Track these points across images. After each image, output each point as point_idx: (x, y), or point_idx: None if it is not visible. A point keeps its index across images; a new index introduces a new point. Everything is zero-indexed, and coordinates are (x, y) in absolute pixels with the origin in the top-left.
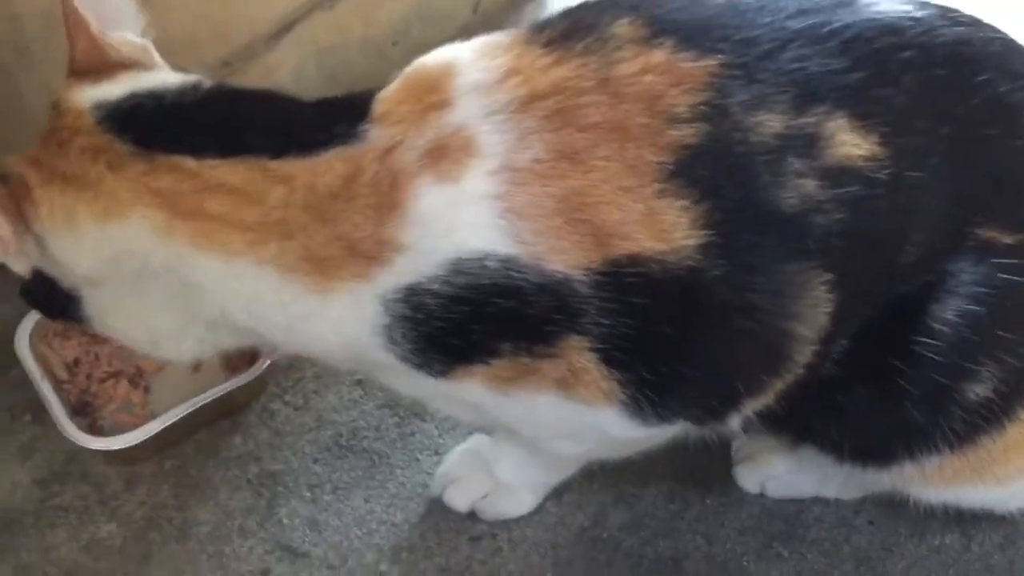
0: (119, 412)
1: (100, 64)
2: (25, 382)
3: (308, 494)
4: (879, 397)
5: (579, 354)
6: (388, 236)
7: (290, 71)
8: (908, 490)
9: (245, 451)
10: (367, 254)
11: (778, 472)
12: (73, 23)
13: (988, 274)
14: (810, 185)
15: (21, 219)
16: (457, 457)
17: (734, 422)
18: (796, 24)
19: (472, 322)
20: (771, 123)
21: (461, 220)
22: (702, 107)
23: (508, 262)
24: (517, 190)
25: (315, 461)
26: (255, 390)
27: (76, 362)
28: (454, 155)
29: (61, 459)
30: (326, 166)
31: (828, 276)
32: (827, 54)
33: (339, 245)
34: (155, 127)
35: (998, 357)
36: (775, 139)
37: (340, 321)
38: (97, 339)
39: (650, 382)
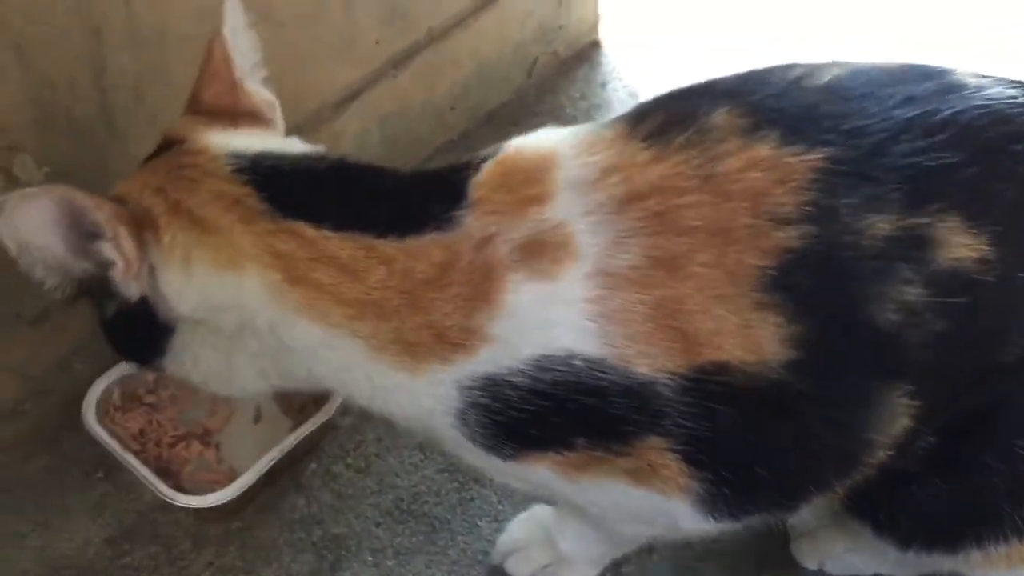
0: (198, 472)
1: (229, 110)
2: (93, 441)
3: (370, 558)
4: (961, 491)
5: (659, 454)
6: (476, 326)
7: (354, 136)
8: (970, 573)
9: (308, 513)
10: (453, 341)
11: (837, 550)
12: (217, 62)
13: None
14: (914, 293)
15: (143, 245)
16: (519, 526)
17: (800, 514)
18: (906, 113)
19: (551, 416)
20: (882, 224)
21: (552, 319)
22: (809, 207)
23: (595, 363)
24: (610, 295)
25: (377, 525)
26: (316, 440)
27: (142, 432)
28: (551, 253)
29: (132, 517)
30: (423, 251)
31: (911, 387)
32: (940, 147)
33: (429, 332)
34: (285, 190)
35: None
36: (885, 243)
37: (419, 396)
38: (156, 407)
39: (728, 481)
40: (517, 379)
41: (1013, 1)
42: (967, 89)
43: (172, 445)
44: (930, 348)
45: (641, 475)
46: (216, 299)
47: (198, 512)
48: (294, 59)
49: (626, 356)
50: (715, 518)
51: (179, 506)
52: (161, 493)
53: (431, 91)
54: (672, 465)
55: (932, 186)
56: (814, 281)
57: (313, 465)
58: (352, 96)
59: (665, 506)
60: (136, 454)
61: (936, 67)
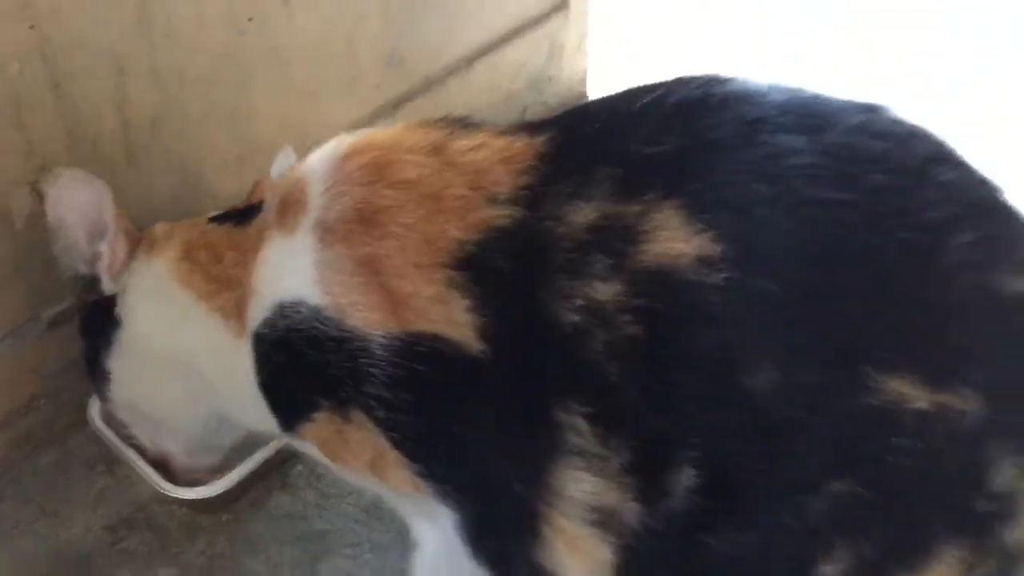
0: None
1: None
2: (96, 438)
3: (348, 551)
4: (734, 554)
5: (371, 433)
6: (249, 282)
7: None
8: None
9: (294, 510)
10: (246, 299)
11: None
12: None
13: (879, 440)
14: (608, 292)
15: (131, 255)
16: None
17: None
18: (637, 102)
19: (294, 371)
20: (587, 212)
21: (287, 268)
22: (523, 190)
23: (316, 312)
24: (325, 246)
25: (356, 522)
26: None
27: None
28: (292, 208)
29: (130, 508)
30: (248, 236)
31: (589, 409)
32: (665, 133)
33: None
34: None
35: (857, 540)
36: (586, 232)
37: (246, 363)
38: None
39: (442, 477)
40: (266, 330)
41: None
42: (718, 81)
43: None
44: (621, 360)
45: (377, 468)
46: (146, 280)
47: (190, 504)
48: (300, 96)
49: (341, 307)
50: (476, 543)
51: (172, 497)
52: (156, 484)
53: None
54: (389, 453)
55: (650, 174)
56: (508, 267)
57: (299, 467)
58: (359, 127)
59: (416, 507)
60: (134, 449)
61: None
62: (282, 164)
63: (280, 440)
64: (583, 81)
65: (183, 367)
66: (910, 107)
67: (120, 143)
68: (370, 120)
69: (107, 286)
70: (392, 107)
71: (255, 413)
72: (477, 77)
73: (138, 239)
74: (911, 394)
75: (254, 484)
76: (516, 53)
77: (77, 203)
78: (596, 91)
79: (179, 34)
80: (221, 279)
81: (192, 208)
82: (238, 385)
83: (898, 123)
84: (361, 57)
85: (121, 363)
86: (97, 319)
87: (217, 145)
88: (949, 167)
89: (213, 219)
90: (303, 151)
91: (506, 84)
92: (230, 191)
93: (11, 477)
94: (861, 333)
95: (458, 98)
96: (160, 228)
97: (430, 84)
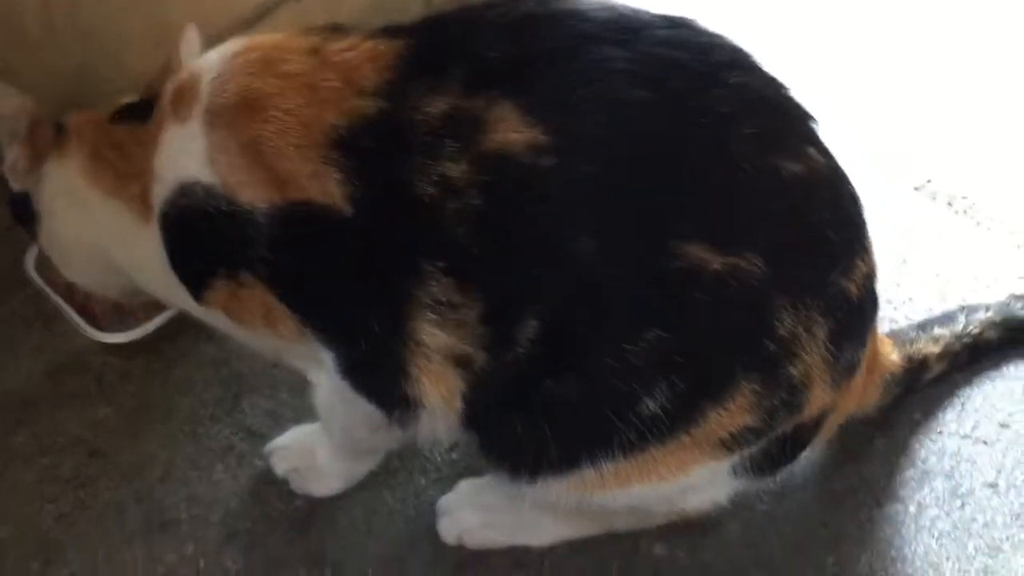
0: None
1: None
2: (35, 296)
3: (267, 391)
4: (565, 402)
5: (260, 291)
6: (151, 167)
7: None
8: (588, 498)
9: (218, 356)
10: (148, 185)
11: (472, 524)
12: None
13: (683, 296)
14: (458, 170)
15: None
16: (295, 430)
17: (427, 421)
18: (489, 13)
19: (196, 244)
20: (439, 104)
21: (183, 150)
22: (386, 85)
23: (209, 189)
24: (214, 131)
25: (274, 367)
26: None
27: (70, 285)
28: (187, 98)
29: (67, 357)
30: (149, 132)
31: (443, 264)
32: (507, 39)
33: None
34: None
35: (670, 378)
36: (440, 121)
37: (155, 245)
38: None
39: (320, 326)
40: (168, 209)
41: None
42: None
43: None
44: (468, 225)
45: (270, 321)
46: (58, 181)
47: (114, 348)
48: None
49: (230, 185)
50: (351, 377)
51: (94, 340)
52: (82, 329)
53: (333, 15)
54: (276, 307)
55: (494, 74)
56: (375, 147)
57: None
58: (261, 15)
59: (305, 353)
60: (64, 300)
61: None
62: (189, 44)
63: None
64: None
65: (98, 252)
66: None
67: (39, 23)
68: (277, 2)
69: (13, 185)
70: None
71: (164, 288)
72: None
73: (51, 139)
74: (706, 258)
75: (181, 332)
76: None
77: (2, 111)
78: None
79: None
80: (129, 174)
81: (111, 87)
82: (148, 265)
83: (701, 34)
84: None
85: (48, 245)
86: (22, 210)
87: (133, 27)
88: (740, 71)
89: (117, 114)
90: (212, 31)
91: None
92: (148, 71)
93: None
94: (664, 209)
95: None
96: (72, 123)
97: None
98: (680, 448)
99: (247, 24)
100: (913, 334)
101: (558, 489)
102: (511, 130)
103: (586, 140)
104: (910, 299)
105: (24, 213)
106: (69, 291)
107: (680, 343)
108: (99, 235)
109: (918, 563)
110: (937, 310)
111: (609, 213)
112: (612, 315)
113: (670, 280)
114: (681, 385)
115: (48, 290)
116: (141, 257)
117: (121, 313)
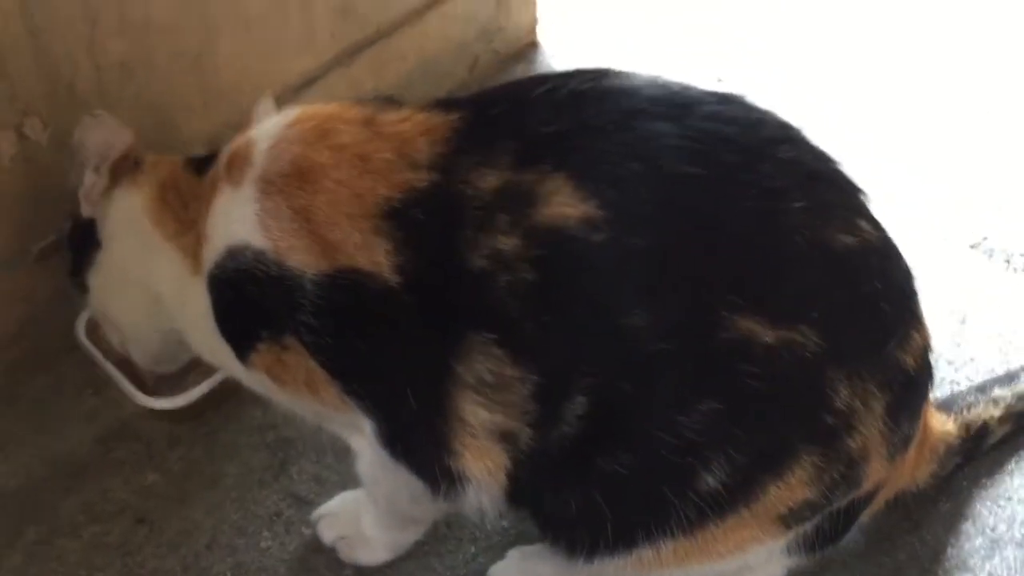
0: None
1: None
2: (85, 362)
3: (314, 456)
4: (619, 480)
5: (303, 356)
6: (202, 229)
7: None
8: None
9: (264, 421)
10: (199, 244)
11: None
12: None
13: (736, 368)
14: (509, 244)
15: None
16: (341, 497)
17: (471, 495)
18: (539, 89)
19: (241, 307)
20: (491, 179)
21: (234, 215)
22: (439, 158)
23: (259, 254)
24: (266, 197)
25: (320, 430)
26: None
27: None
28: (240, 163)
29: (117, 424)
30: (202, 188)
31: (494, 336)
32: (558, 115)
33: (196, 240)
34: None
35: (728, 452)
36: (491, 195)
37: (201, 300)
38: None
39: (361, 394)
40: (217, 272)
41: None
42: (607, 75)
43: None
44: (520, 298)
45: (312, 386)
46: (124, 211)
47: (161, 414)
48: (260, 45)
49: (280, 250)
50: (391, 448)
51: (146, 407)
52: (130, 393)
53: (379, 81)
54: (318, 371)
55: (545, 149)
56: (426, 219)
57: None
58: (310, 81)
59: (347, 421)
60: (115, 364)
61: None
62: (263, 109)
63: None
64: (532, 31)
65: (150, 292)
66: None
67: (94, 88)
68: (326, 69)
69: (84, 210)
70: (347, 56)
71: (208, 345)
72: (428, 27)
73: (128, 170)
74: (758, 331)
75: (227, 398)
76: (466, 3)
77: (97, 137)
78: (545, 41)
79: None
80: (185, 222)
81: (165, 149)
82: (193, 317)
83: (750, 109)
84: (316, 9)
85: (98, 279)
86: (83, 237)
87: (184, 91)
88: (789, 146)
89: (189, 161)
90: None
91: (457, 34)
92: (198, 135)
93: (6, 401)
94: (715, 282)
95: (410, 48)
96: (149, 161)
97: (382, 34)
98: (739, 524)
99: (296, 90)
100: (971, 398)
101: (615, 568)
102: (564, 204)
103: (638, 214)
104: (971, 360)
105: (87, 241)
106: (119, 357)
107: (735, 415)
108: (153, 276)
109: None
110: (1000, 370)
111: (661, 287)
112: (664, 388)
113: (722, 352)
114: (739, 458)
115: (98, 355)
116: (189, 308)
117: (168, 380)
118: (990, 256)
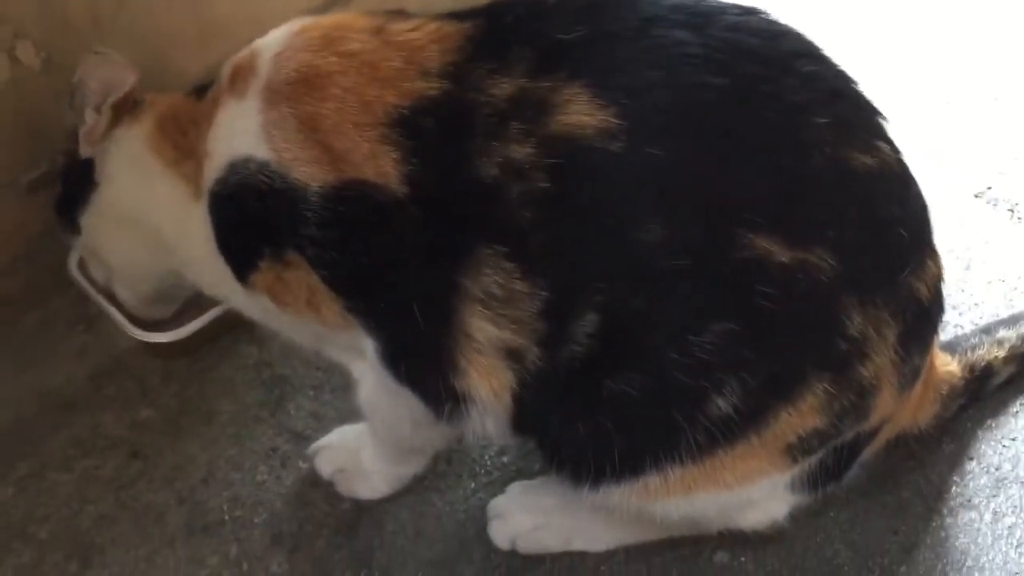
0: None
1: None
2: (77, 299)
3: (311, 393)
4: (628, 401)
5: (305, 272)
6: (203, 146)
7: None
8: (651, 506)
9: (260, 359)
10: (200, 163)
11: (525, 528)
12: None
13: (751, 288)
14: (523, 152)
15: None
16: (339, 431)
17: (475, 417)
18: None
19: (243, 223)
20: (504, 86)
21: (237, 128)
22: (450, 66)
23: (262, 165)
24: (271, 107)
25: (317, 368)
26: None
27: None
28: (244, 75)
29: (109, 360)
30: (203, 108)
31: (504, 248)
32: (577, 20)
33: (197, 163)
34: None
35: (741, 375)
36: (505, 103)
37: (202, 225)
38: None
39: (365, 311)
40: (219, 188)
41: None
42: None
43: None
44: (533, 208)
45: (313, 305)
46: (124, 147)
47: (156, 348)
48: None
49: (284, 161)
50: (394, 368)
51: (139, 341)
52: (124, 327)
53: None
54: (321, 290)
55: (562, 56)
56: (436, 128)
57: None
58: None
59: (348, 343)
60: (107, 299)
61: None
62: None
63: None
64: None
65: (149, 229)
66: None
67: (88, 15)
68: (325, 6)
69: (83, 150)
70: None
71: (208, 274)
72: None
73: (130, 108)
74: (774, 250)
75: (222, 334)
76: None
77: (101, 75)
78: None
79: None
80: (185, 148)
81: (158, 83)
82: (195, 247)
83: (772, 23)
84: None
85: (92, 220)
86: (77, 176)
87: (180, 23)
88: (811, 61)
89: (190, 91)
90: (261, 33)
91: None
92: (193, 69)
93: None
94: (734, 197)
95: None
96: (150, 97)
97: None
98: (748, 453)
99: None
100: (975, 340)
101: (620, 496)
102: (580, 112)
103: (656, 124)
104: (976, 304)
105: (83, 181)
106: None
107: (749, 336)
108: (153, 208)
109: (997, 573)
110: (1003, 315)
111: (677, 200)
112: (677, 306)
113: (736, 270)
114: (751, 381)
115: (91, 290)
116: (190, 237)
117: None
118: (994, 205)
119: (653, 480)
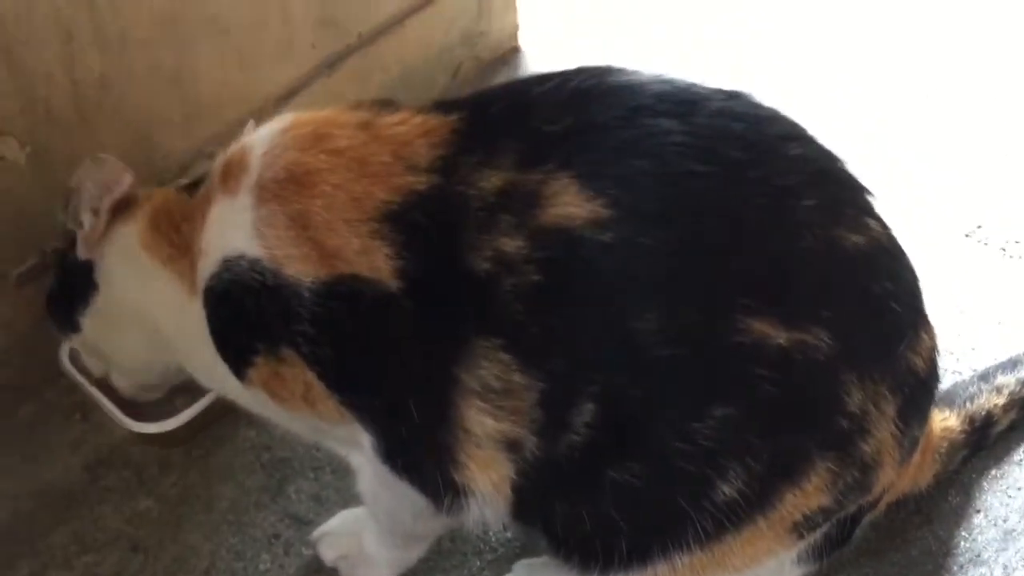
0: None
1: None
2: (72, 388)
3: (311, 475)
4: (634, 491)
5: (300, 368)
6: (197, 245)
7: None
8: None
9: (259, 442)
10: (193, 263)
11: None
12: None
13: (749, 372)
14: (513, 246)
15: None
16: (342, 515)
17: (475, 509)
18: (541, 87)
19: (237, 319)
20: (494, 179)
21: (229, 224)
22: (439, 160)
23: (254, 263)
24: (262, 204)
25: (317, 449)
26: None
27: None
28: (235, 172)
29: (106, 450)
30: (194, 207)
31: (500, 341)
32: (561, 114)
33: (192, 262)
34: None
35: (744, 460)
36: (494, 196)
37: (200, 321)
38: None
39: (361, 406)
40: (213, 283)
41: None
42: (610, 72)
43: None
44: (525, 301)
45: (310, 401)
46: (120, 246)
47: (151, 438)
48: (239, 58)
49: (277, 258)
50: (391, 462)
51: (134, 432)
52: (118, 418)
53: (362, 91)
54: (316, 385)
55: (549, 148)
56: (426, 222)
57: None
58: (292, 92)
59: (345, 436)
60: (101, 390)
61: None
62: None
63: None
64: (514, 36)
65: (149, 325)
66: None
67: (70, 105)
68: (308, 79)
69: (82, 252)
70: (327, 66)
71: (207, 369)
72: (409, 34)
73: (121, 208)
74: (771, 333)
75: (218, 420)
76: (446, 9)
77: (99, 177)
78: (527, 45)
79: (120, 1)
80: (179, 245)
81: (145, 166)
82: (192, 341)
83: (756, 106)
84: (295, 19)
85: (93, 321)
86: (76, 279)
87: (163, 105)
88: (797, 143)
89: (182, 188)
90: (244, 111)
91: (439, 40)
92: (179, 150)
93: None
94: (727, 283)
95: (392, 56)
96: (143, 195)
97: (364, 43)
98: (755, 535)
99: (279, 101)
100: (974, 388)
101: None
102: (570, 204)
103: (646, 213)
104: (972, 349)
105: (82, 284)
106: (105, 382)
107: (751, 421)
108: (151, 305)
109: None
110: (1001, 358)
111: (670, 289)
112: (676, 393)
113: (735, 355)
114: (756, 466)
115: (84, 382)
116: (187, 333)
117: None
118: (986, 244)
119: (661, 568)
